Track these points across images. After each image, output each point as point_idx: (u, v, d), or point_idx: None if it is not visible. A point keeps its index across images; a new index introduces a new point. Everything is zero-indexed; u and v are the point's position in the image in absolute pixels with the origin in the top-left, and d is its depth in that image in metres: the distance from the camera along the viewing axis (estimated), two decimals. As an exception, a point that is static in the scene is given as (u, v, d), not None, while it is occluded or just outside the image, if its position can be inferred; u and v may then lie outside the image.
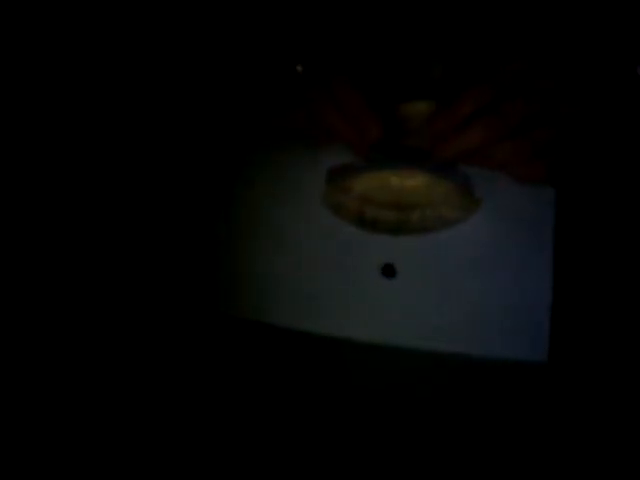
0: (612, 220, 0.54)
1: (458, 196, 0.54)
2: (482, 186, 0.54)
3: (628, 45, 0.52)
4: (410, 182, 0.54)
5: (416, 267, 0.53)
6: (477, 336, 0.51)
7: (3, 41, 0.57)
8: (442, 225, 0.54)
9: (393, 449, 0.49)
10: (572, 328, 0.51)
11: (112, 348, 0.51)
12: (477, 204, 0.54)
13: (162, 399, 0.50)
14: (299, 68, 0.52)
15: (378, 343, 0.51)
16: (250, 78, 0.55)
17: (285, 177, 0.56)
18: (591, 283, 0.52)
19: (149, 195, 0.56)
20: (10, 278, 0.53)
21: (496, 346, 0.50)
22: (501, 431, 0.49)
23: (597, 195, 0.55)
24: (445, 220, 0.54)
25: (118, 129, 0.57)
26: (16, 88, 0.58)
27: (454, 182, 0.54)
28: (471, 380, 0.50)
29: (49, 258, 0.54)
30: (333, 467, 0.48)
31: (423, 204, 0.53)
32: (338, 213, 0.55)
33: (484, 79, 0.51)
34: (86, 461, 0.49)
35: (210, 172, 0.57)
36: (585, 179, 0.55)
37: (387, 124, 0.54)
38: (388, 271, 0.53)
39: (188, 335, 0.52)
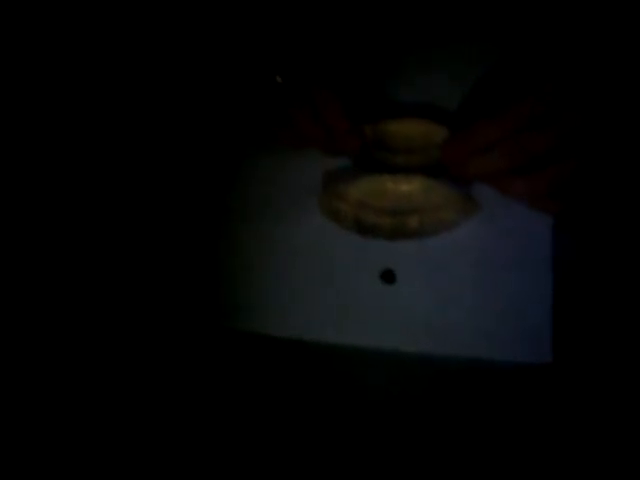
0: (613, 217, 0.53)
1: (456, 199, 0.53)
2: (480, 189, 0.54)
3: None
4: (406, 187, 0.53)
5: (416, 272, 0.52)
6: (480, 339, 0.50)
7: (3, 41, 0.57)
8: (441, 229, 0.53)
9: (398, 455, 0.48)
10: (576, 327, 0.50)
11: (114, 363, 0.51)
12: (475, 207, 0.53)
13: (166, 415, 0.50)
14: (279, 79, 0.52)
15: (380, 350, 0.50)
16: (235, 86, 0.55)
17: (281, 183, 0.55)
18: (592, 280, 0.52)
19: (148, 206, 0.55)
20: (8, 287, 0.53)
21: (499, 349, 0.50)
22: (507, 435, 0.48)
23: (596, 193, 0.54)
24: (444, 224, 0.53)
25: (115, 134, 0.57)
26: (16, 88, 0.57)
27: (451, 185, 0.54)
28: (475, 384, 0.50)
29: (48, 266, 0.53)
30: (338, 476, 0.48)
31: (421, 209, 0.53)
32: (335, 219, 0.54)
33: (505, 109, 0.50)
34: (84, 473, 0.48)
35: (207, 182, 0.56)
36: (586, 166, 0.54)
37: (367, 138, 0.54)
38: (388, 277, 0.52)
39: (191, 350, 0.51)
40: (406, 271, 0.52)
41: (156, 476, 0.48)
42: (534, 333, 0.50)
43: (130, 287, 0.53)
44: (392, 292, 0.52)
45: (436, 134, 0.55)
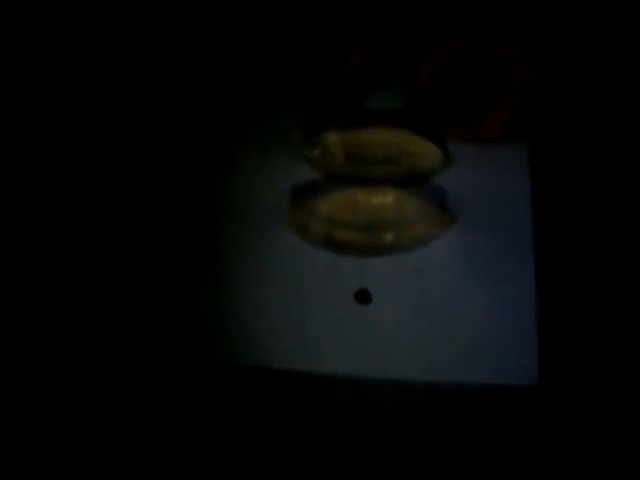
0: (601, 228, 0.51)
1: (431, 212, 0.51)
2: (456, 200, 0.51)
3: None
4: (379, 200, 0.51)
5: (392, 291, 0.49)
6: (461, 362, 0.47)
7: (3, 41, 0.56)
8: (417, 244, 0.50)
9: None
10: (562, 348, 0.48)
11: (108, 400, 0.48)
12: (451, 219, 0.51)
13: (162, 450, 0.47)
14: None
15: (358, 377, 0.47)
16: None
17: (246, 200, 0.52)
18: (578, 296, 0.49)
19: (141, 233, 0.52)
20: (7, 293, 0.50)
21: (481, 371, 0.47)
22: (494, 459, 0.46)
23: (578, 197, 0.52)
24: (420, 238, 0.50)
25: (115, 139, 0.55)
26: (16, 88, 0.56)
27: (426, 198, 0.51)
28: (459, 410, 0.47)
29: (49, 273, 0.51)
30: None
31: (396, 223, 0.50)
32: (304, 236, 0.51)
33: None
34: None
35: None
36: (564, 178, 0.52)
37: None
38: (362, 297, 0.49)
39: (158, 378, 0.48)
40: (382, 290, 0.49)
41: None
42: (518, 354, 0.47)
43: (118, 326, 0.50)
44: (367, 313, 0.49)
45: (410, 143, 0.52)
